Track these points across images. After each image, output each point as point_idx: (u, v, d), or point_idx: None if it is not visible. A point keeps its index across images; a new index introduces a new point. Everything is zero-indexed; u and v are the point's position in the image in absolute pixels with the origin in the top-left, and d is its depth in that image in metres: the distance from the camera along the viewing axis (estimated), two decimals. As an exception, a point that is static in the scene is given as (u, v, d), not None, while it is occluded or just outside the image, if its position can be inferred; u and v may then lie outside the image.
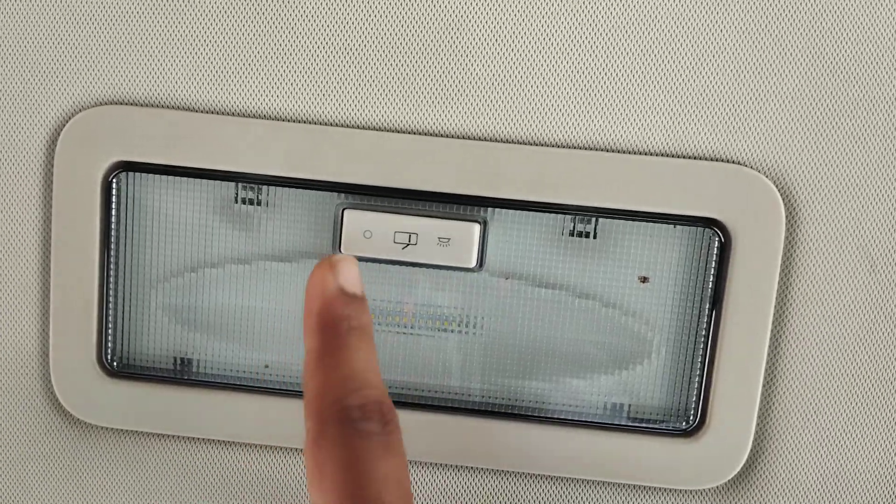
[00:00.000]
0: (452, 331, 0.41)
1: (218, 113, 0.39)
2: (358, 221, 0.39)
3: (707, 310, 0.40)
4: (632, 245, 0.40)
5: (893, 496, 0.41)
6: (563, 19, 0.38)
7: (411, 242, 0.39)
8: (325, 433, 0.31)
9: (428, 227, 0.39)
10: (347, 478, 0.30)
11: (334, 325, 0.33)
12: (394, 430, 0.31)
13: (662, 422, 0.41)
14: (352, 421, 0.31)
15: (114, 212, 0.40)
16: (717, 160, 0.38)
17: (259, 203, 0.40)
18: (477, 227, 0.39)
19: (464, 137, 0.39)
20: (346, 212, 0.39)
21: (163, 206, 0.40)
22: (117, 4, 0.38)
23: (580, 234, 0.40)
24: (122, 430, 0.42)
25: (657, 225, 0.39)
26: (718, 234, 0.39)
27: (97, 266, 0.40)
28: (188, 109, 0.39)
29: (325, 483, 0.31)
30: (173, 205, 0.40)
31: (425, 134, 0.39)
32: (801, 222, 0.39)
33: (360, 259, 0.39)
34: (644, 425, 0.41)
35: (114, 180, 0.40)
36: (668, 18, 0.38)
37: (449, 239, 0.39)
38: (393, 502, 0.30)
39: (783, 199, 0.38)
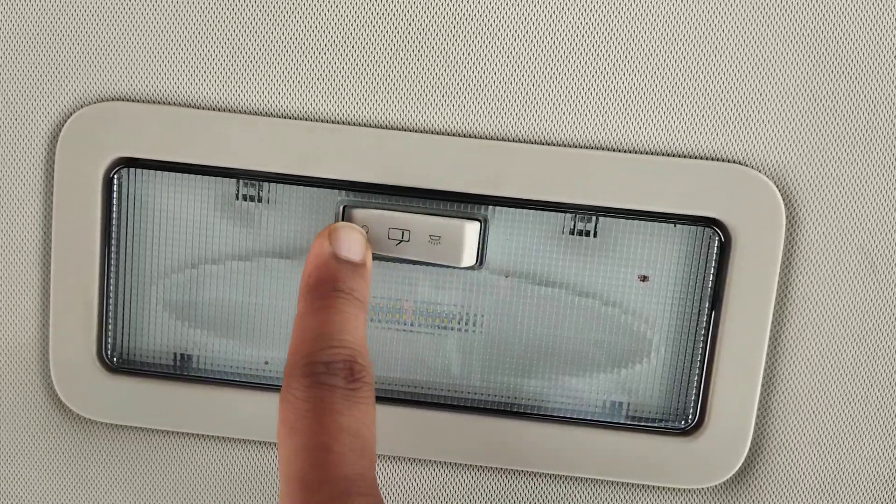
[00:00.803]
0: (452, 329, 0.41)
1: (219, 110, 0.39)
2: (356, 218, 0.39)
3: (707, 309, 0.40)
4: (632, 244, 0.40)
5: (891, 496, 0.41)
6: (565, 18, 0.38)
7: (404, 239, 0.39)
8: (291, 386, 0.32)
9: (420, 225, 0.39)
10: (303, 427, 0.31)
11: (319, 288, 0.34)
12: (361, 387, 0.32)
13: (661, 420, 0.41)
14: (315, 375, 0.32)
15: (115, 208, 0.40)
16: (717, 160, 0.38)
17: (260, 200, 0.40)
18: (468, 226, 0.39)
19: (465, 136, 0.39)
20: (346, 209, 0.39)
21: (164, 202, 0.40)
22: (119, 1, 0.38)
23: (580, 233, 0.40)
24: (121, 425, 0.42)
25: (657, 224, 0.39)
26: (719, 234, 0.39)
27: (98, 262, 0.40)
28: (190, 106, 0.39)
29: (284, 433, 0.32)
30: (174, 201, 0.40)
31: (427, 132, 0.39)
32: (802, 222, 0.39)
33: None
34: (643, 424, 0.41)
35: (115, 176, 0.40)
36: (670, 18, 0.38)
37: (440, 237, 0.39)
38: (343, 453, 0.31)
39: (783, 200, 0.39)
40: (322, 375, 0.32)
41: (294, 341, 0.33)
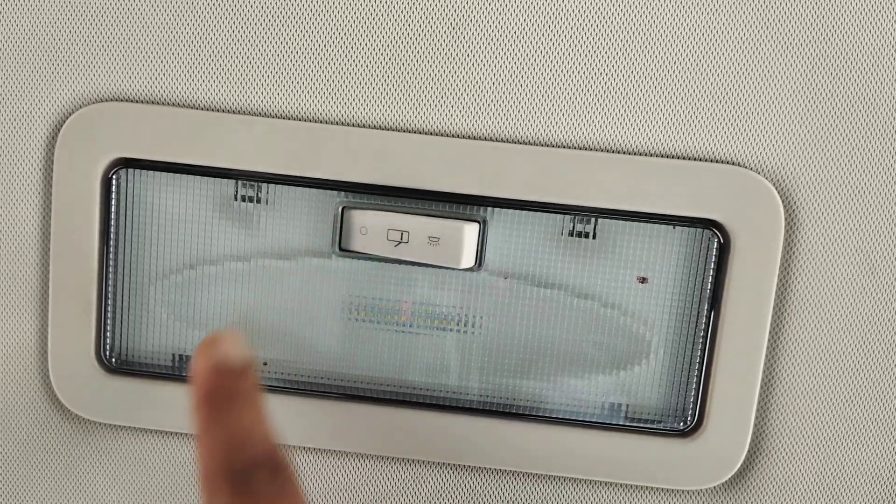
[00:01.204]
0: (451, 330, 0.41)
1: (218, 110, 0.39)
2: (355, 219, 0.39)
3: (705, 311, 0.40)
4: (631, 245, 0.40)
5: (891, 497, 0.41)
6: (565, 20, 0.38)
7: (403, 240, 0.39)
8: (217, 496, 0.31)
9: (419, 226, 0.39)
10: None
11: (213, 397, 0.33)
12: (287, 479, 0.31)
13: (660, 422, 0.41)
14: (240, 478, 0.31)
15: (113, 208, 0.40)
16: (717, 161, 0.38)
17: (259, 201, 0.40)
18: (467, 227, 0.39)
19: (465, 137, 0.39)
20: (344, 210, 0.39)
21: (162, 202, 0.40)
22: (118, 1, 0.38)
23: (579, 235, 0.40)
24: (120, 426, 0.42)
25: (656, 226, 0.39)
26: (718, 236, 0.39)
27: (96, 262, 0.40)
28: (188, 106, 0.39)
29: None
30: (173, 202, 0.40)
31: (426, 133, 0.39)
32: (801, 224, 0.39)
33: (356, 255, 0.40)
34: (642, 425, 0.41)
35: (114, 177, 0.40)
36: (670, 20, 0.37)
37: (438, 238, 0.39)
38: None
39: (782, 201, 0.38)
40: (247, 481, 0.31)
41: (204, 454, 0.32)
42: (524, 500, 0.42)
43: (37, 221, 0.40)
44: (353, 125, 0.39)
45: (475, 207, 0.39)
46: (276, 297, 0.41)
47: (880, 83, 0.38)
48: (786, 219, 0.39)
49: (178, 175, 0.40)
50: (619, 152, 0.39)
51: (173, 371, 0.42)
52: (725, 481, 0.41)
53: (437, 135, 0.39)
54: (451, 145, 0.38)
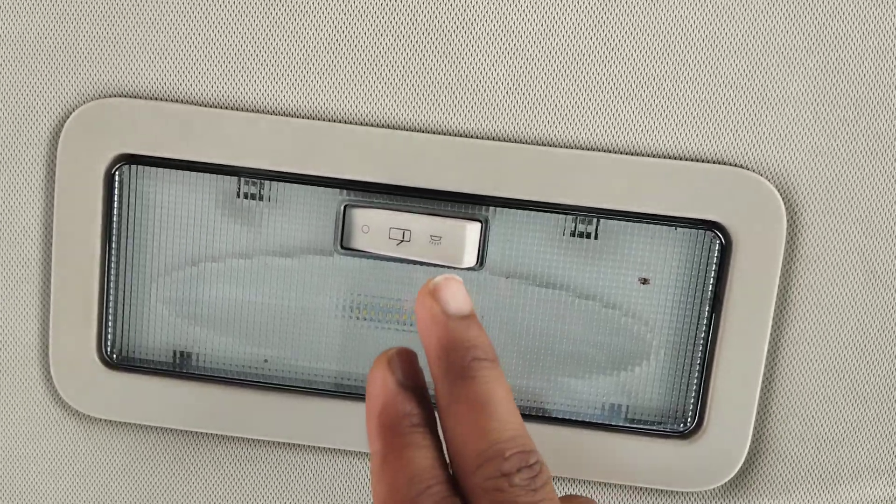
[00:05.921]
0: (452, 329, 0.41)
1: (221, 107, 0.39)
2: (357, 217, 0.39)
3: (707, 312, 0.40)
4: (633, 246, 0.40)
5: (889, 497, 0.41)
6: (568, 20, 0.38)
7: (405, 239, 0.39)
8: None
9: (421, 225, 0.39)
10: None
11: (455, 361, 0.30)
12: (545, 484, 0.28)
13: (660, 423, 0.41)
14: (496, 489, 0.28)
15: (116, 204, 0.40)
16: (719, 163, 0.38)
17: (261, 198, 0.40)
18: (469, 226, 0.39)
19: (467, 136, 0.39)
20: (347, 208, 0.39)
21: (165, 199, 0.40)
22: (123, -3, 0.38)
23: (581, 235, 0.40)
24: (121, 422, 0.42)
25: (658, 227, 0.39)
26: (719, 237, 0.39)
27: (98, 258, 0.40)
28: (192, 103, 0.39)
29: None
30: (175, 198, 0.40)
31: (429, 132, 0.39)
32: (803, 226, 0.39)
33: (357, 253, 0.40)
34: (642, 426, 0.41)
35: (116, 173, 0.40)
36: (672, 20, 0.38)
37: (440, 237, 0.39)
38: None
39: (785, 203, 0.38)
40: (504, 488, 0.28)
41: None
42: (524, 500, 0.42)
43: (39, 217, 0.40)
44: (357, 123, 0.39)
45: (477, 207, 0.39)
46: (278, 295, 0.41)
47: (883, 85, 0.38)
48: (788, 221, 0.39)
49: (180, 172, 0.40)
50: (621, 153, 0.39)
51: (175, 368, 0.42)
52: (725, 483, 0.41)
53: (439, 134, 0.39)
54: (453, 144, 0.39)
